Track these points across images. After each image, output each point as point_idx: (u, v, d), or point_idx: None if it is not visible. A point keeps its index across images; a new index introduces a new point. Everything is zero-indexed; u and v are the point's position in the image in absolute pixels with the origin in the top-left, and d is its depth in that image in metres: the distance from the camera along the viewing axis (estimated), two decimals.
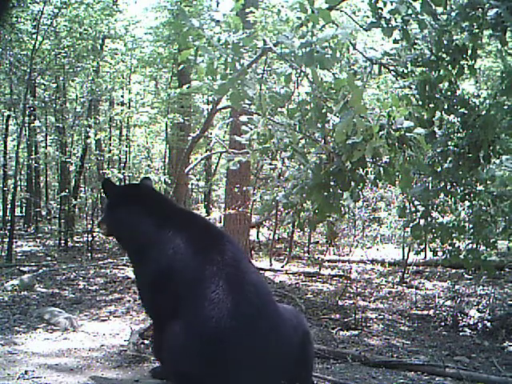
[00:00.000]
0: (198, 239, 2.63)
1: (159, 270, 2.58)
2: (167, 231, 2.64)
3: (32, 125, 11.54)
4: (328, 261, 9.19)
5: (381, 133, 3.45)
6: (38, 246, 10.23)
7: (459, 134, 4.34)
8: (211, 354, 2.30)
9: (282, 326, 2.48)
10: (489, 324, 5.29)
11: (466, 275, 7.71)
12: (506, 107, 4.23)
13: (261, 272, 7.74)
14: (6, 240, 8.13)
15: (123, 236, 2.95)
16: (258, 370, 2.34)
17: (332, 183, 4.16)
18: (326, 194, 4.19)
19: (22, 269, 7.12)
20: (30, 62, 8.99)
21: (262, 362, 2.34)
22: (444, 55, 3.93)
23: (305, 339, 2.62)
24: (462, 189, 4.48)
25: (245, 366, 2.31)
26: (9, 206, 10.79)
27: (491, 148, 4.23)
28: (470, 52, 3.92)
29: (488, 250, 4.95)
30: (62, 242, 10.19)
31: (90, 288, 6.17)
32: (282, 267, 8.36)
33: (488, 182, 4.48)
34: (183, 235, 2.60)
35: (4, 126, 12.71)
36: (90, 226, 9.81)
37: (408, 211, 4.79)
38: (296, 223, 5.24)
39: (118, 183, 7.28)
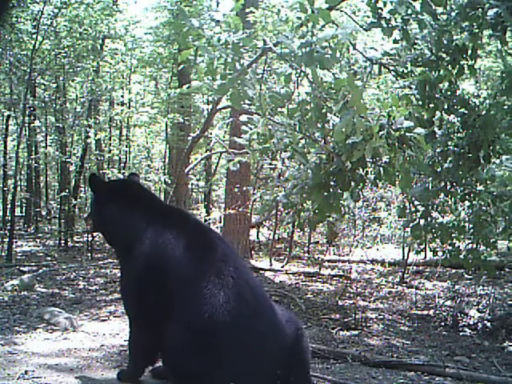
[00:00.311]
0: (188, 236, 2.62)
1: (148, 266, 2.56)
2: (156, 227, 2.63)
3: (32, 125, 11.54)
4: (328, 261, 9.19)
5: (381, 133, 3.46)
6: (38, 246, 10.23)
7: (459, 134, 4.34)
8: (209, 351, 2.30)
9: (278, 321, 2.49)
10: (489, 324, 5.28)
11: (466, 275, 7.70)
12: (506, 107, 4.23)
13: (261, 272, 7.76)
14: (6, 240, 8.13)
15: (110, 232, 2.92)
16: (255, 365, 2.34)
17: (332, 183, 4.16)
18: (326, 194, 4.19)
19: (22, 269, 7.12)
20: (30, 62, 8.98)
21: (258, 357, 2.34)
22: (444, 55, 3.93)
23: (299, 335, 2.61)
24: (461, 189, 4.48)
25: (241, 361, 2.31)
26: (9, 206, 10.79)
27: (491, 148, 4.23)
28: (470, 52, 3.92)
29: (488, 250, 4.95)
30: (62, 242, 10.19)
31: (90, 288, 6.17)
32: (282, 267, 8.35)
33: (488, 182, 4.48)
34: (173, 231, 2.60)
35: (4, 126, 12.70)
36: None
37: (408, 211, 4.79)
38: (296, 223, 5.24)
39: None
